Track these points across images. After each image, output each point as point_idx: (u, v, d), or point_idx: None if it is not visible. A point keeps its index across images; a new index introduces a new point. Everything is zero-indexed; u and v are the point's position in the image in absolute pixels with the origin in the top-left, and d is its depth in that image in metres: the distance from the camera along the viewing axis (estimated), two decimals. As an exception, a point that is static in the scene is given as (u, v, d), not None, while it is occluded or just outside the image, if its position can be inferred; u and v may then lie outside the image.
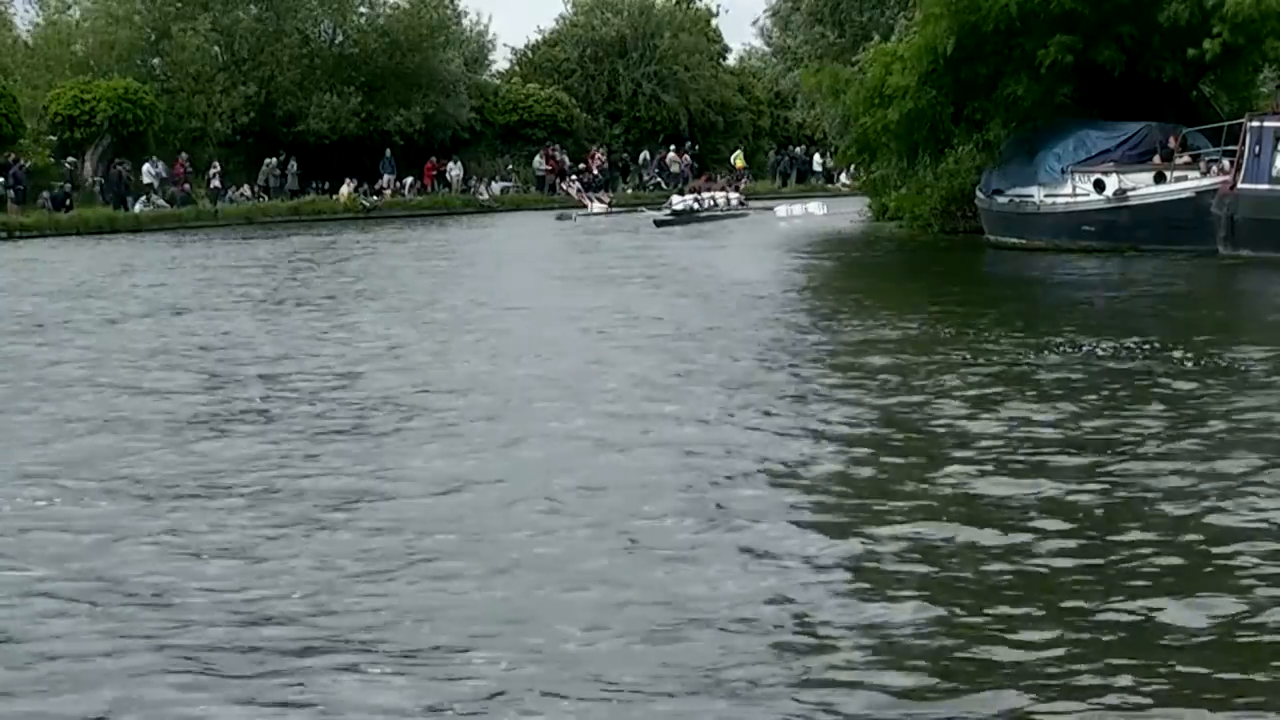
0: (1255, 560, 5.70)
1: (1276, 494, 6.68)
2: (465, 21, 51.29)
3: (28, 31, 45.95)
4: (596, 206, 39.35)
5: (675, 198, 35.46)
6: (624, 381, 10.44)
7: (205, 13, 43.94)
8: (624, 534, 6.31)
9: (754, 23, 50.70)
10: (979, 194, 26.48)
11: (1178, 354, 11.14)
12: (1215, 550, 5.87)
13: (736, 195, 39.51)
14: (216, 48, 44.82)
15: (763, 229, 32.44)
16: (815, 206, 37.12)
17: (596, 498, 6.98)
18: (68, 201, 36.08)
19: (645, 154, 51.45)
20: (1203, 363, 10.71)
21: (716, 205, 36.32)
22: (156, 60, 44.39)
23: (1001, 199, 25.37)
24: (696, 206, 34.84)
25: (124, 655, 4.92)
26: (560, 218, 37.01)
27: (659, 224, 31.68)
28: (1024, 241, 24.14)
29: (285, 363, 12.08)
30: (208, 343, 13.56)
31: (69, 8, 45.17)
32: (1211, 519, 6.32)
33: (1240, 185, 20.74)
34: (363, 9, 47.66)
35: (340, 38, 47.41)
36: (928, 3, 24.36)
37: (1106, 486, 6.95)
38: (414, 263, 24.30)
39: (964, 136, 26.89)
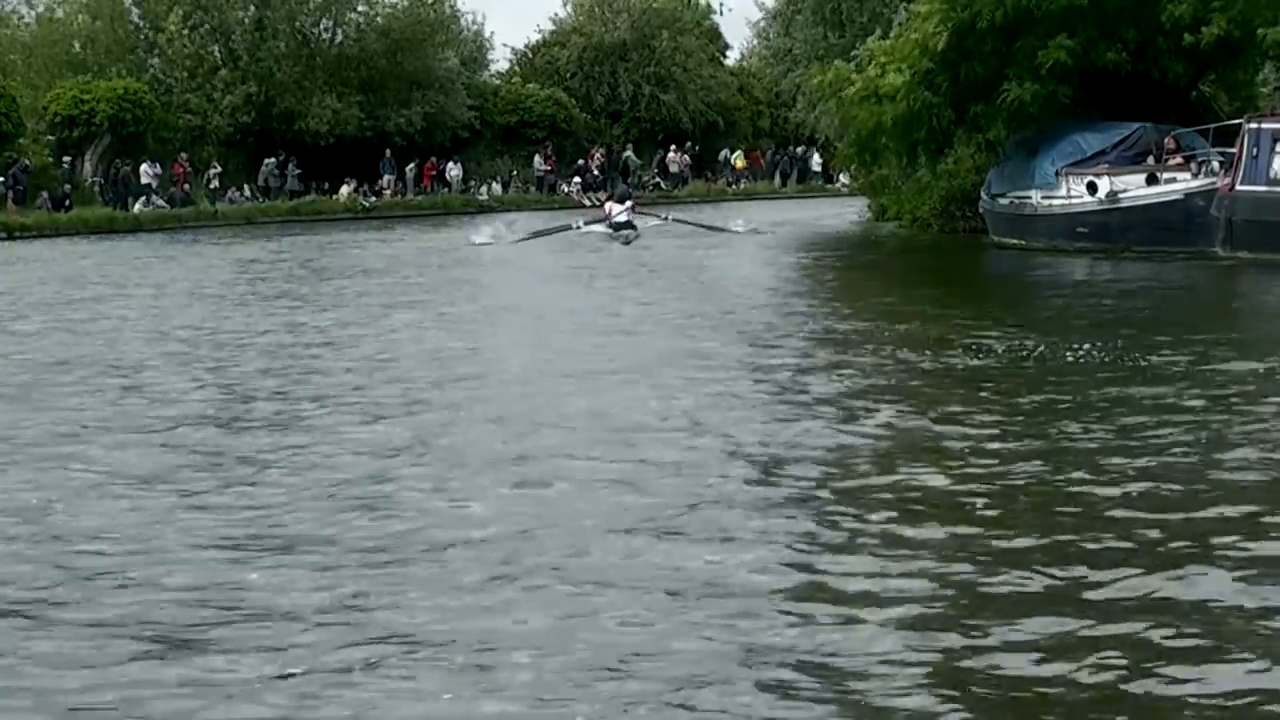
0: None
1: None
2: (462, 21, 51.28)
3: (26, 24, 46.07)
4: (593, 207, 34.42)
5: (616, 207, 28.92)
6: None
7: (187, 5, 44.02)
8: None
9: (754, 24, 50.49)
10: (982, 195, 26.57)
11: (1158, 356, 11.09)
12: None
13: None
14: (214, 46, 44.90)
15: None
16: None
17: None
18: (67, 202, 36.10)
19: (631, 154, 50.67)
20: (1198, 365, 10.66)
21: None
22: (157, 60, 44.48)
23: (1003, 200, 25.50)
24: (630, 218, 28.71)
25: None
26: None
27: (628, 242, 26.53)
28: (1024, 242, 24.31)
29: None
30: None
31: (58, 4, 45.31)
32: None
33: (1239, 187, 20.70)
34: (361, 7, 47.65)
35: (339, 37, 47.40)
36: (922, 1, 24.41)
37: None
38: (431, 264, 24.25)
39: (964, 137, 26.91)
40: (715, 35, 57.48)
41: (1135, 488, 7.00)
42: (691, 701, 4.45)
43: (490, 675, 4.68)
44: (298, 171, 43.19)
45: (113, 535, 6.48)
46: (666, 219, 31.50)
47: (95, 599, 5.55)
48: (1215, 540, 6.04)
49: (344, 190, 42.81)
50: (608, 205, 30.26)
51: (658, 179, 49.95)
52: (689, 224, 30.85)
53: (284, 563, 6.01)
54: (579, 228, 28.64)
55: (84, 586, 5.72)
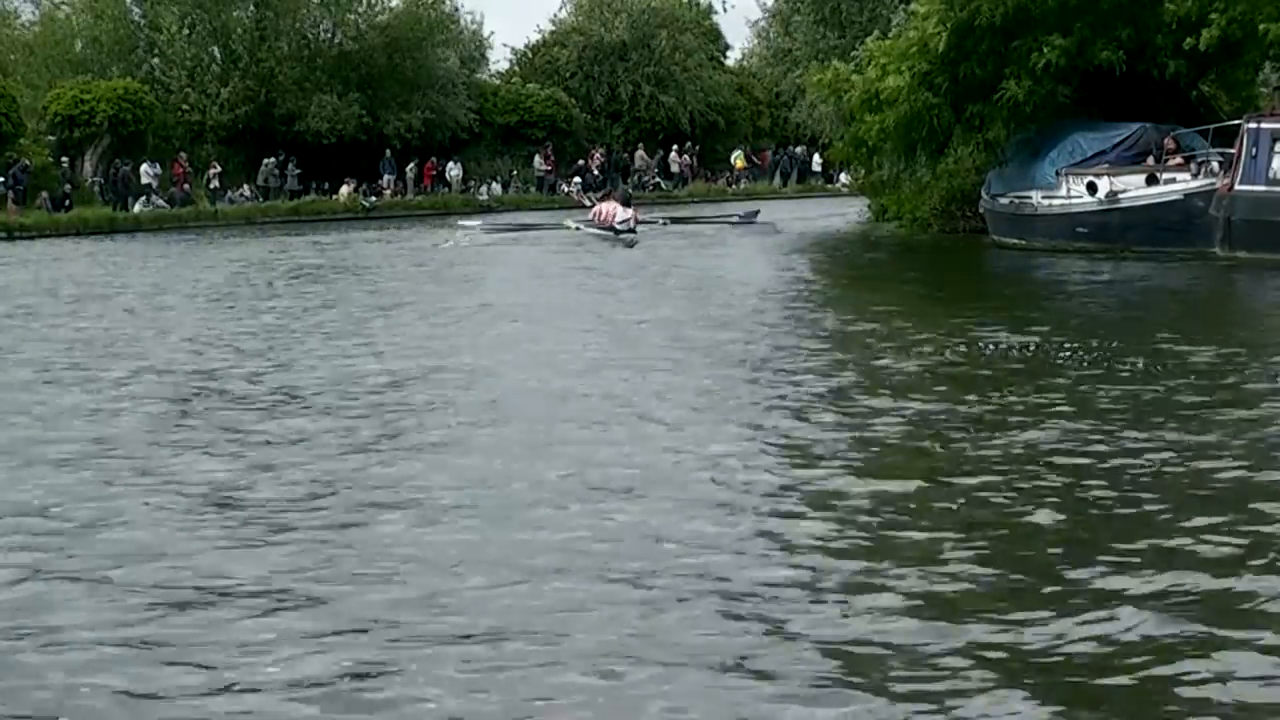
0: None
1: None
2: (461, 21, 51.31)
3: (28, 24, 46.18)
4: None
5: (620, 210, 27.52)
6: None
7: (187, 5, 43.97)
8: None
9: (754, 24, 50.40)
10: (983, 195, 26.61)
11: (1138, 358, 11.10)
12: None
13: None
14: (214, 46, 44.92)
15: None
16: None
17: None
18: (67, 202, 36.10)
19: (642, 154, 50.91)
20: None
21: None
22: (155, 60, 44.53)
23: (1003, 200, 25.53)
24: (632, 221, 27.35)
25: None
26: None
27: (632, 245, 25.50)
28: (1024, 242, 24.36)
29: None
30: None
31: (60, 4, 45.40)
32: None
33: (1238, 187, 20.72)
34: (360, 8, 47.66)
35: (339, 37, 47.43)
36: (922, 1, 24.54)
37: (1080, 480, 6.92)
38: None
39: (964, 137, 26.95)
40: (715, 35, 57.52)
41: (1128, 489, 7.02)
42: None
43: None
44: (298, 171, 43.20)
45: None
46: (665, 222, 31.18)
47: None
48: (1210, 537, 6.05)
49: (344, 190, 42.82)
50: (602, 205, 29.36)
51: (658, 179, 50.01)
52: (692, 222, 30.57)
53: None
54: (576, 229, 28.08)
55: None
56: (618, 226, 27.10)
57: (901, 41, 25.64)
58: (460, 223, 27.03)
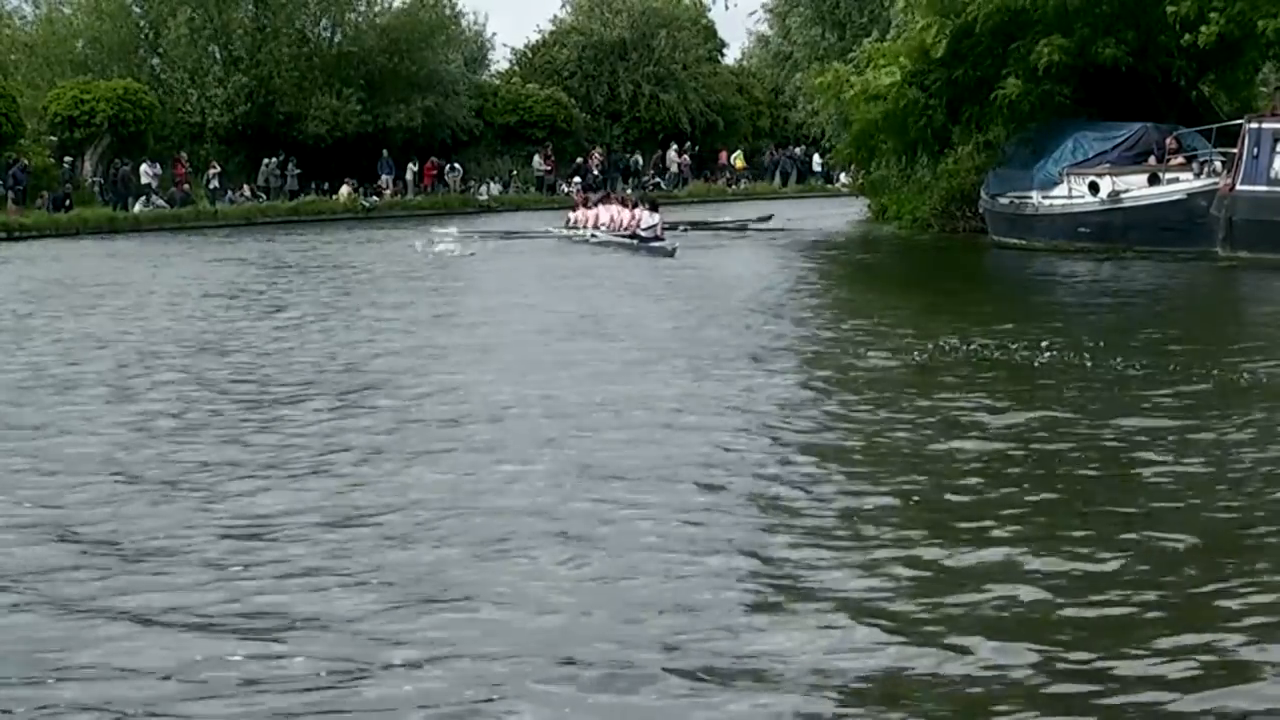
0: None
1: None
2: (463, 21, 51.29)
3: (28, 24, 46.12)
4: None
5: (646, 216, 25.77)
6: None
7: (190, 6, 43.78)
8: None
9: (753, 24, 50.25)
10: (983, 195, 26.64)
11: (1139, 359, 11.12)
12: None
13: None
14: (214, 46, 44.87)
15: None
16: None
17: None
18: (67, 202, 36.07)
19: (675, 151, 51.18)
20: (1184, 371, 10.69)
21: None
22: (156, 61, 44.47)
23: (1003, 200, 25.55)
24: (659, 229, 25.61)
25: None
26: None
27: (671, 253, 23.55)
28: (1025, 242, 24.38)
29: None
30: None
31: (61, 4, 45.39)
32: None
33: (1239, 187, 20.74)
34: (360, 8, 47.59)
35: (339, 37, 47.38)
36: (918, 7, 24.64)
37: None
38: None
39: (964, 137, 26.98)
40: (710, 34, 57.42)
41: (1123, 484, 7.04)
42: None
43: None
44: (297, 172, 43.15)
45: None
46: (686, 228, 29.68)
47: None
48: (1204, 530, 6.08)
49: (344, 190, 42.77)
50: (601, 209, 28.19)
51: (657, 179, 50.00)
52: (714, 228, 29.70)
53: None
54: (592, 238, 26.55)
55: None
56: (642, 234, 25.62)
57: (900, 43, 25.72)
58: (437, 230, 26.51)
